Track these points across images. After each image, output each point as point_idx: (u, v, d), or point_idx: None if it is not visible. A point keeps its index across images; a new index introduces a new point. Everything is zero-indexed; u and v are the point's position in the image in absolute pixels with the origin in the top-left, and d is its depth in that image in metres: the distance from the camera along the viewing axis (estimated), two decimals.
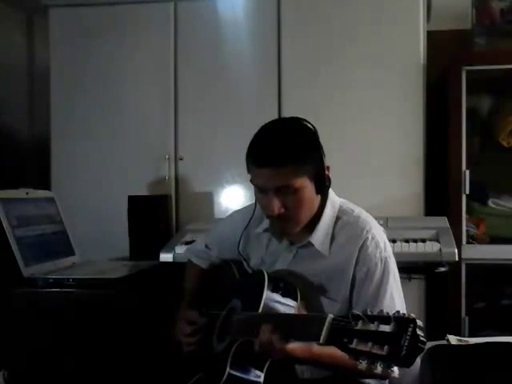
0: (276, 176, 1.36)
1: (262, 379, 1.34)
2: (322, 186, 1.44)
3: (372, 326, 0.99)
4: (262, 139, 1.42)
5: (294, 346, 1.24)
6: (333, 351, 1.07)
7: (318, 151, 1.44)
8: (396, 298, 1.42)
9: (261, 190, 1.42)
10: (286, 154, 1.36)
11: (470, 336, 2.41)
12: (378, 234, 1.47)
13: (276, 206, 1.39)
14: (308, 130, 1.44)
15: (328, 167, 1.46)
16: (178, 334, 1.62)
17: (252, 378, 1.36)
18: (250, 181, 1.47)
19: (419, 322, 0.95)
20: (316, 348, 1.26)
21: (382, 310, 1.02)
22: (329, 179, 1.46)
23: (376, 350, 0.95)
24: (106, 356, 2.02)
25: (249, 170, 1.44)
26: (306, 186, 1.40)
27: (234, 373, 1.36)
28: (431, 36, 2.67)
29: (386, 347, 0.94)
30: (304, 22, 2.66)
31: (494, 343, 1.56)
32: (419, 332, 0.94)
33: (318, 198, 1.47)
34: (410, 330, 0.94)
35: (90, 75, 2.81)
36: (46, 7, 2.83)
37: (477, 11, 2.76)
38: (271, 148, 1.38)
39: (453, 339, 1.74)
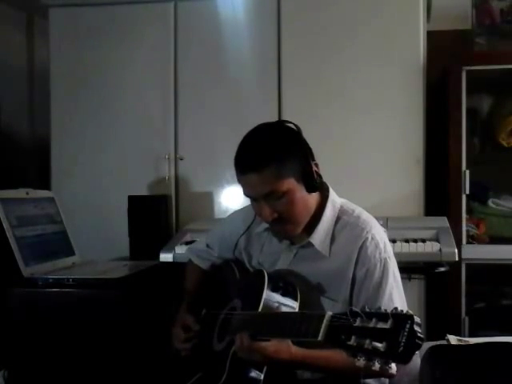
0: (260, 182, 1.36)
1: (261, 379, 1.34)
2: (312, 184, 1.43)
3: (370, 323, 0.99)
4: (241, 147, 1.43)
5: (266, 344, 1.26)
6: (321, 352, 1.06)
7: (300, 150, 1.42)
8: (396, 299, 1.41)
9: (252, 198, 1.43)
10: (263, 156, 1.36)
11: (470, 336, 2.40)
12: (378, 234, 1.46)
13: (268, 212, 1.40)
14: (287, 130, 1.43)
15: (316, 164, 1.44)
16: (174, 339, 1.62)
17: (252, 377, 1.35)
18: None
19: (417, 319, 0.95)
20: (295, 348, 1.28)
21: (379, 307, 1.02)
22: (319, 176, 1.44)
23: (374, 347, 0.96)
24: (106, 356, 2.03)
25: (237, 181, 1.44)
26: (294, 187, 1.39)
27: (234, 373, 1.35)
28: (431, 36, 2.67)
29: (383, 343, 0.95)
30: (304, 22, 2.66)
31: (494, 343, 1.55)
32: (416, 328, 0.94)
33: (312, 197, 1.46)
34: (407, 326, 0.94)
35: (89, 75, 2.81)
36: (46, 7, 2.84)
37: (477, 11, 2.76)
38: (249, 153, 1.39)
39: (453, 339, 1.74)
